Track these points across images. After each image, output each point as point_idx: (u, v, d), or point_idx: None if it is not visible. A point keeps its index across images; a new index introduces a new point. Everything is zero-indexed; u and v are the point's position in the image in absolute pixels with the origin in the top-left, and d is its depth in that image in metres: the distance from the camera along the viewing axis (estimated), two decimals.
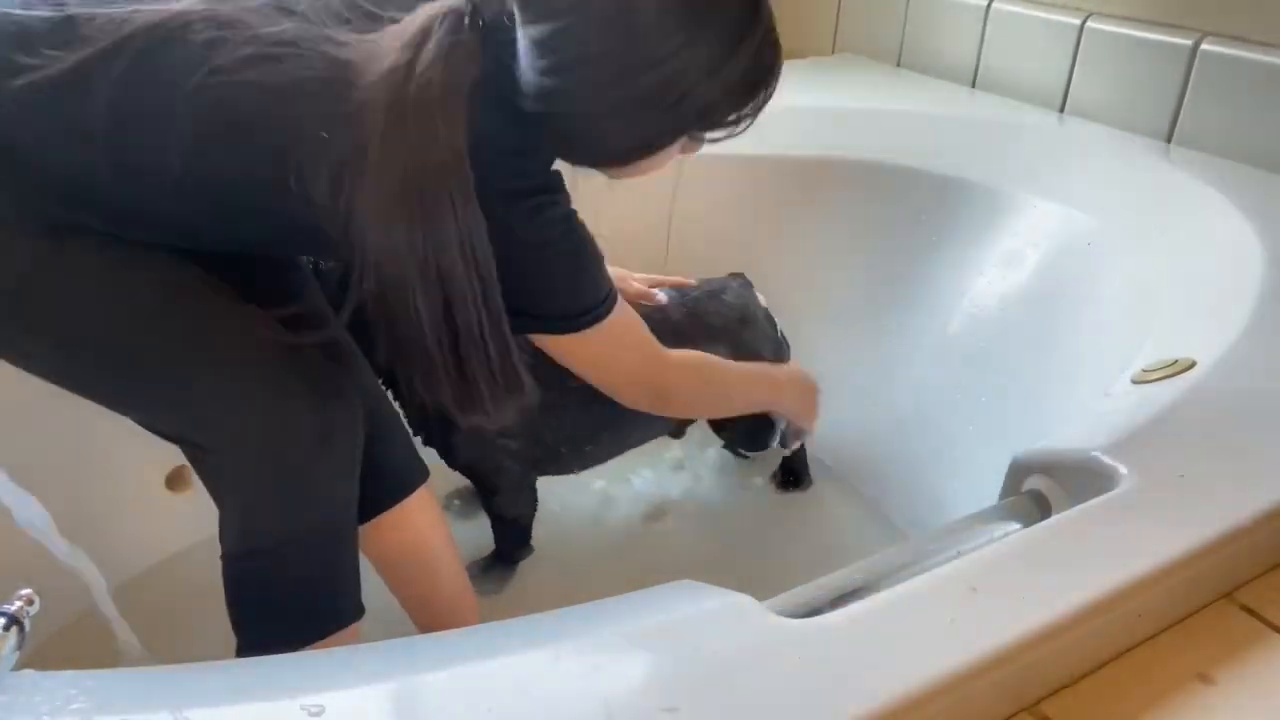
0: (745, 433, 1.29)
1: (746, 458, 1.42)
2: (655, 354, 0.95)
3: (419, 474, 1.01)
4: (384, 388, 1.09)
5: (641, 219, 1.50)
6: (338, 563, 0.86)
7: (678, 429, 1.26)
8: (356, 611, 0.88)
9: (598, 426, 1.12)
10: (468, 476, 1.19)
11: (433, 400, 0.78)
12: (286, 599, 0.85)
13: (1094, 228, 1.28)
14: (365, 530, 0.96)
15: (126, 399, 0.83)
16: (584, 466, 1.19)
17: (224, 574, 0.84)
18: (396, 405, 1.11)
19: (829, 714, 0.54)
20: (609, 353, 0.91)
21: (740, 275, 1.25)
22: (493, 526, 1.21)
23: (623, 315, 0.89)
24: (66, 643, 1.02)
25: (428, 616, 1.02)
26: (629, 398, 0.97)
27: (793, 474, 1.38)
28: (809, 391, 1.17)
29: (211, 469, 0.83)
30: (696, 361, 1.03)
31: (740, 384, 1.09)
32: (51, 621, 1.04)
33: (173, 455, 0.93)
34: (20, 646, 0.56)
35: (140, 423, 0.84)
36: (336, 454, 0.84)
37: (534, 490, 1.19)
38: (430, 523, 1.01)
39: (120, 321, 0.79)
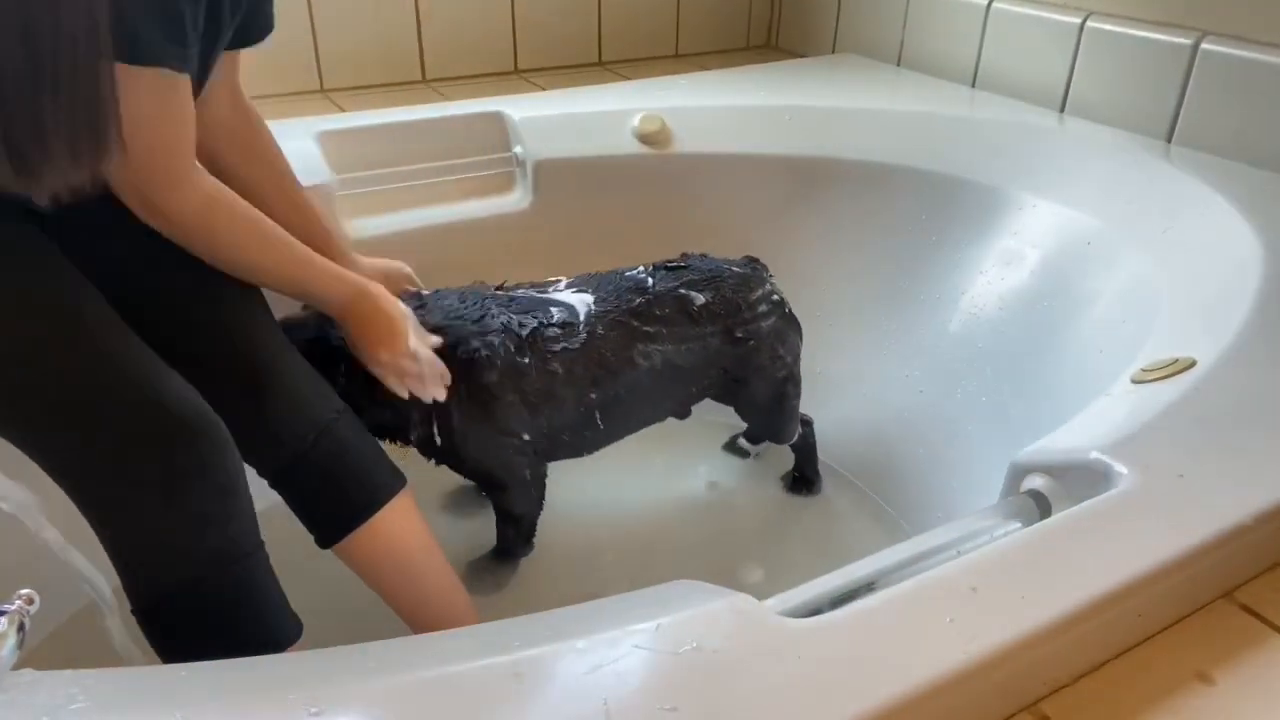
0: (760, 425, 1.29)
1: (747, 455, 1.42)
2: (179, 159, 0.82)
3: (394, 482, 0.98)
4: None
5: (642, 217, 1.51)
6: (249, 592, 0.83)
7: (682, 410, 1.25)
8: (291, 634, 0.86)
9: (597, 410, 1.12)
10: (476, 479, 1.19)
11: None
12: (204, 643, 0.82)
13: (1094, 227, 1.28)
14: (345, 545, 0.96)
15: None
16: (590, 450, 1.18)
17: (139, 626, 0.81)
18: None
19: (829, 714, 0.54)
20: (139, 112, 0.77)
21: (755, 259, 1.24)
22: (498, 524, 1.20)
23: (168, 91, 0.79)
24: (66, 642, 1.02)
25: (423, 622, 1.01)
26: (127, 189, 0.82)
27: (804, 477, 1.38)
28: (379, 318, 0.96)
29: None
30: (221, 205, 0.87)
31: (276, 266, 0.92)
32: (51, 621, 1.04)
33: None
34: (20, 646, 0.56)
35: None
36: (201, 492, 0.80)
37: (543, 485, 1.19)
38: (410, 529, 0.99)
39: None
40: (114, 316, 0.83)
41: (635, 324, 1.10)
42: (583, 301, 1.11)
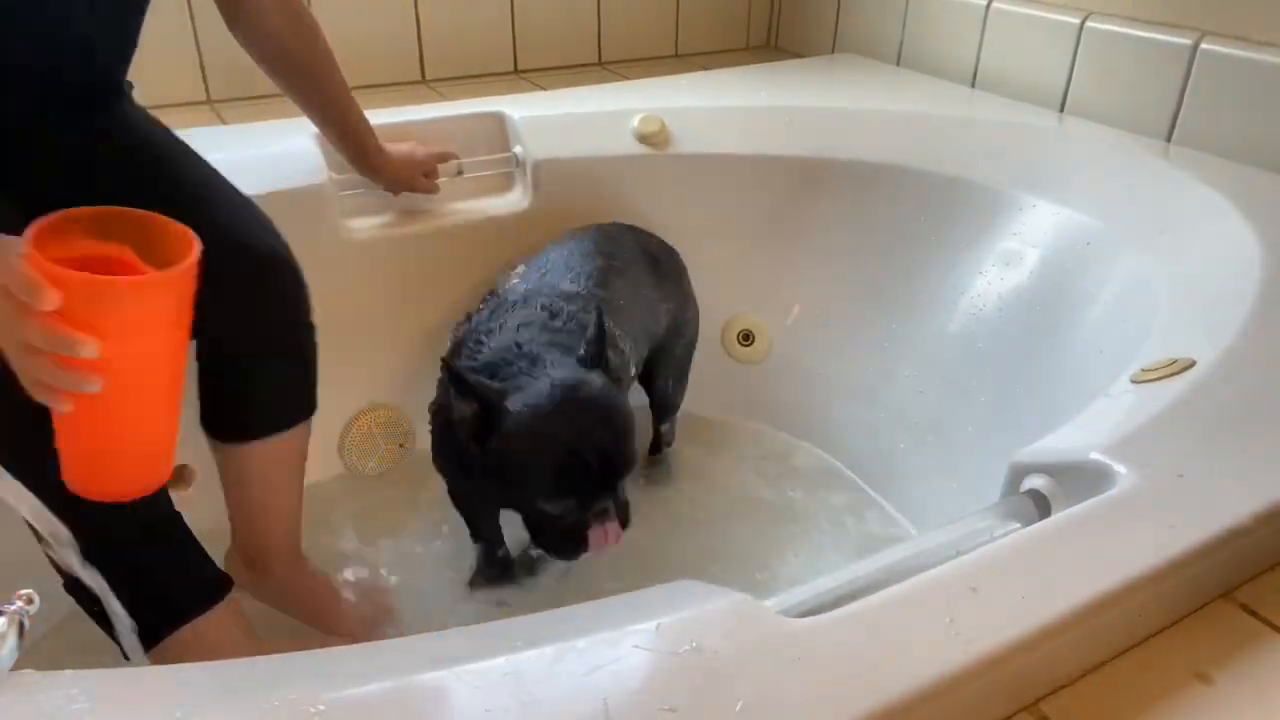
0: (669, 386, 1.36)
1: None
2: None
3: (306, 409, 1.05)
4: None
5: (642, 217, 1.51)
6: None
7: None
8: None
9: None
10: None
11: None
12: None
13: (1094, 228, 1.28)
14: (233, 450, 1.01)
15: None
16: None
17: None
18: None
19: (829, 714, 0.54)
20: None
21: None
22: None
23: None
24: (66, 642, 1.02)
25: (249, 535, 1.07)
26: None
27: (655, 443, 1.41)
28: None
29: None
30: None
31: None
32: (51, 621, 1.04)
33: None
34: (20, 646, 0.56)
35: None
36: None
37: None
38: (292, 465, 1.05)
39: None
40: None
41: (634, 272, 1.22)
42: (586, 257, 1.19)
